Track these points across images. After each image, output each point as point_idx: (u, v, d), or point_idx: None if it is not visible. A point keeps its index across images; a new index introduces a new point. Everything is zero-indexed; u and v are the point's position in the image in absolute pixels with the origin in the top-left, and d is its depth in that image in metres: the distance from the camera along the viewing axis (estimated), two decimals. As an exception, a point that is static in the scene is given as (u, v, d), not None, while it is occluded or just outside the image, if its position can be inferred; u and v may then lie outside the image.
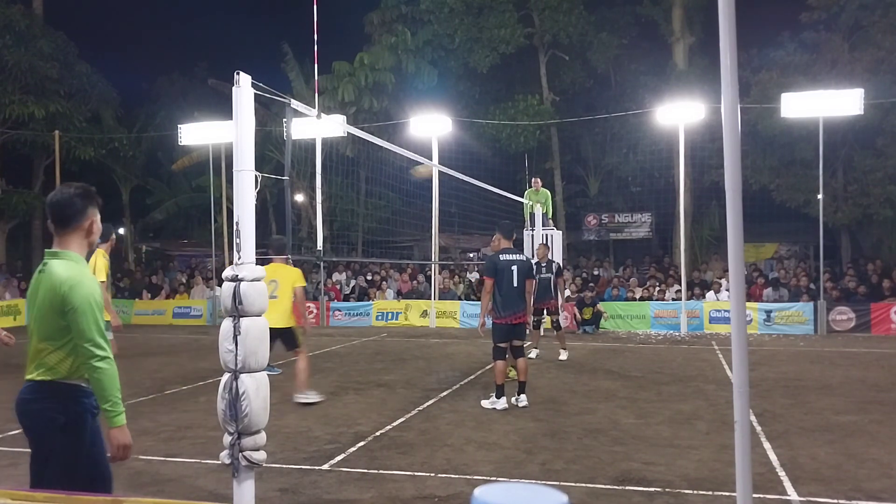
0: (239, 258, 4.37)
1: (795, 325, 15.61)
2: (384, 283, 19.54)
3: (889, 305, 15.26)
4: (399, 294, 19.16)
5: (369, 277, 20.11)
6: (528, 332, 8.82)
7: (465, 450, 6.08)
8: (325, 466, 5.63)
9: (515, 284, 7.61)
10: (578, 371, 10.44)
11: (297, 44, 23.95)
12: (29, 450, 3.12)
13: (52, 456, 2.99)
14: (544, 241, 12.83)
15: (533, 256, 11.94)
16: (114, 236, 8.17)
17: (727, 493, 4.80)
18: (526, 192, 14.94)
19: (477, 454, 5.94)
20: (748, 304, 13.22)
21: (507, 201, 14.66)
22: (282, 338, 7.76)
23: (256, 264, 4.42)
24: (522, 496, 1.55)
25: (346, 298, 19.32)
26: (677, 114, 16.96)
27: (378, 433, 6.69)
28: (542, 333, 12.26)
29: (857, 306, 15.51)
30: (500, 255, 7.69)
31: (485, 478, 5.27)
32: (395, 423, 7.08)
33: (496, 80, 24.74)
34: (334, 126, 11.03)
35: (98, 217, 3.18)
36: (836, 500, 4.77)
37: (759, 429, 6.63)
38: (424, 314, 17.88)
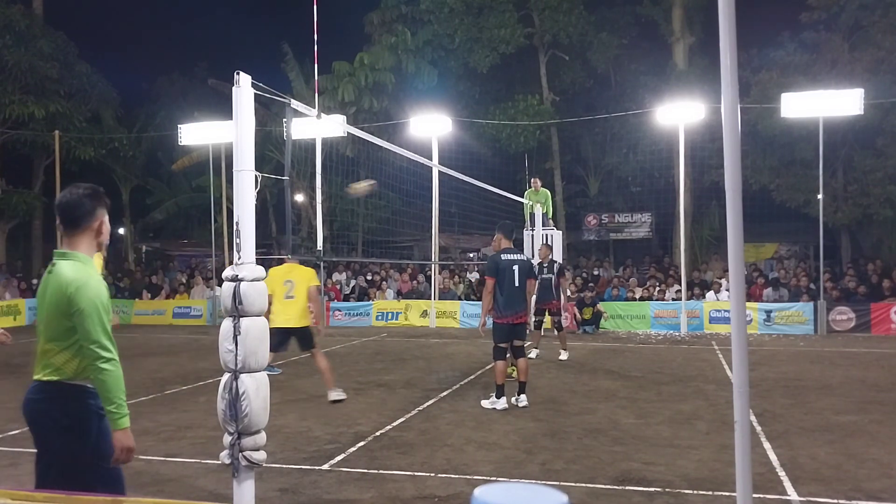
0: (239, 258, 4.37)
1: (795, 325, 15.61)
2: (384, 283, 19.54)
3: (889, 305, 15.26)
4: (399, 294, 19.17)
5: (369, 277, 20.11)
6: (528, 332, 8.83)
7: (465, 450, 6.08)
8: (325, 466, 5.63)
9: (517, 284, 7.61)
10: (578, 371, 10.44)
11: (297, 44, 23.98)
12: (31, 449, 3.12)
13: (56, 456, 2.99)
14: (547, 242, 12.82)
15: (534, 256, 11.94)
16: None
17: (727, 493, 4.80)
18: (526, 193, 14.94)
19: (477, 454, 5.94)
20: (748, 304, 13.22)
21: (507, 201, 14.66)
22: (297, 337, 7.84)
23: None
24: (522, 496, 1.55)
25: (346, 298, 19.32)
26: (677, 114, 16.96)
27: (378, 433, 6.69)
28: (542, 333, 12.26)
29: (857, 306, 15.51)
30: (502, 255, 7.70)
31: (485, 478, 5.27)
32: (395, 423, 7.08)
33: (496, 80, 24.74)
34: (334, 126, 11.02)
35: (107, 218, 3.18)
36: (836, 500, 4.77)
37: (759, 429, 6.63)
38: (424, 314, 17.88)
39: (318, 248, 7.09)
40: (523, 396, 7.81)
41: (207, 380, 9.65)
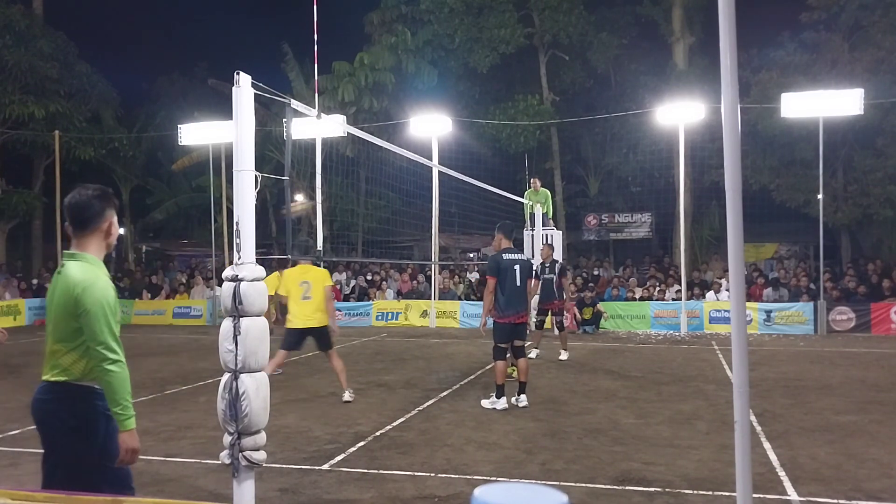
0: (239, 258, 4.37)
1: (795, 325, 15.61)
2: (384, 283, 19.53)
3: (889, 305, 15.26)
4: (399, 294, 19.16)
5: (369, 277, 20.11)
6: (528, 331, 8.83)
7: (465, 450, 6.08)
8: (325, 466, 5.63)
9: (518, 284, 7.62)
10: (578, 371, 10.44)
11: (297, 44, 23.98)
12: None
13: (63, 456, 3.00)
14: (548, 242, 12.81)
15: (533, 256, 11.95)
16: None
17: (727, 493, 4.80)
18: (526, 193, 14.94)
19: (477, 454, 5.95)
20: (748, 304, 13.23)
21: (507, 201, 14.66)
22: (316, 337, 7.94)
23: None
24: (522, 496, 1.55)
25: (346, 298, 19.32)
26: (677, 114, 16.96)
27: (378, 433, 6.69)
28: (543, 333, 12.25)
29: (857, 306, 15.51)
30: (504, 255, 7.70)
31: (485, 478, 5.27)
32: (395, 423, 7.08)
33: (496, 80, 24.75)
34: (334, 126, 11.02)
35: (115, 219, 3.20)
36: (836, 500, 4.77)
37: (759, 429, 6.63)
38: (424, 314, 17.88)
39: (318, 248, 7.10)
40: (523, 396, 7.81)
41: (207, 380, 9.65)
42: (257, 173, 4.42)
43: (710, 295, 17.00)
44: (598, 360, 11.69)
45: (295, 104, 5.28)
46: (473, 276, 19.37)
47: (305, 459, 5.82)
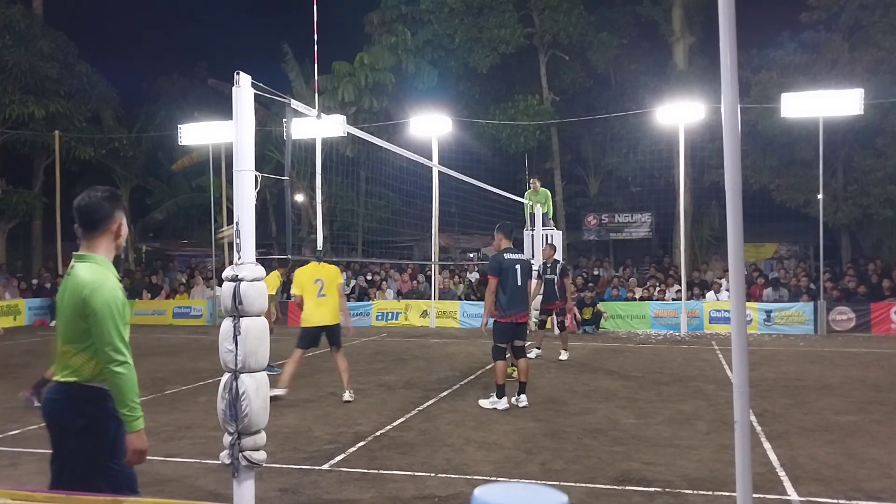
0: (239, 258, 4.37)
1: (795, 325, 15.61)
2: (384, 283, 19.53)
3: (889, 305, 15.26)
4: (399, 294, 19.16)
5: (369, 277, 20.11)
6: (529, 332, 8.82)
7: (465, 450, 6.08)
8: (325, 466, 5.63)
9: (519, 283, 7.64)
10: (578, 371, 10.44)
11: (297, 44, 23.98)
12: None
13: (72, 456, 3.00)
14: (549, 242, 12.81)
15: (534, 256, 11.96)
16: None
17: (727, 493, 4.80)
18: (526, 194, 14.94)
19: (477, 454, 5.95)
20: (748, 304, 13.23)
21: (507, 201, 14.66)
22: (329, 334, 8.02)
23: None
24: (522, 496, 1.55)
25: (346, 298, 19.28)
26: (677, 114, 16.95)
27: (378, 433, 6.69)
28: (544, 333, 12.26)
29: (857, 306, 15.51)
30: (505, 255, 7.71)
31: (485, 478, 5.27)
32: (395, 423, 7.08)
33: (496, 80, 24.75)
34: (334, 126, 11.03)
35: (125, 220, 3.20)
36: (836, 500, 4.77)
37: (759, 429, 6.63)
38: (424, 314, 17.88)
39: (319, 248, 7.12)
40: (523, 396, 7.81)
41: (207, 380, 9.65)
42: (257, 173, 4.43)
43: (710, 295, 17.01)
44: (598, 360, 11.69)
45: (295, 104, 5.28)
46: (473, 276, 19.37)
47: (305, 459, 5.82)
